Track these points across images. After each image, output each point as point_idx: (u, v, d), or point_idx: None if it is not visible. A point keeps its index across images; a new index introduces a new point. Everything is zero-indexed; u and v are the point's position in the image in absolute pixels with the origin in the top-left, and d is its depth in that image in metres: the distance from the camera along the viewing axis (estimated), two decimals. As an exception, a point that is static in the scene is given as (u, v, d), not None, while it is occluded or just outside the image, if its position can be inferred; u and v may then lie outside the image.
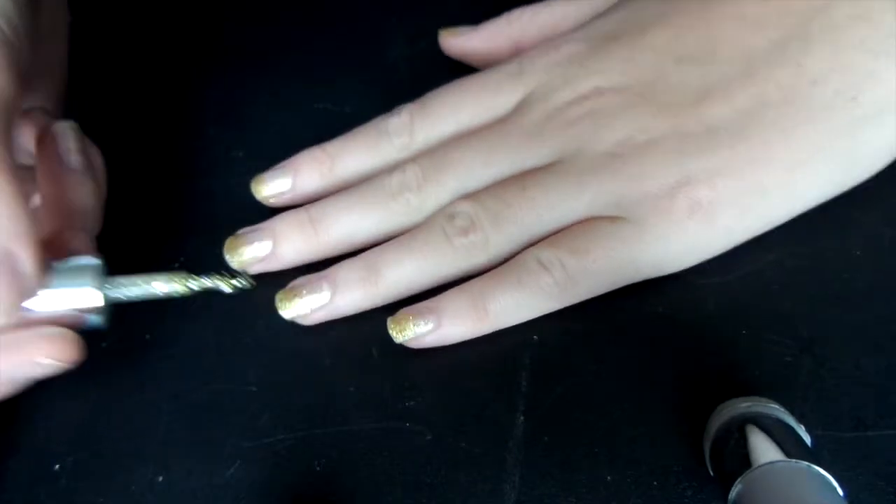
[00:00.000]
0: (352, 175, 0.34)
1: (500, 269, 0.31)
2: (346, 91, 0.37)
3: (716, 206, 0.29)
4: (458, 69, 0.37)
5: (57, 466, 0.28)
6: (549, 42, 0.34)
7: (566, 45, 0.33)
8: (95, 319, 0.27)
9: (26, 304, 0.26)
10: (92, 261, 0.27)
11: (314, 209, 0.32)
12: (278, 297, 0.31)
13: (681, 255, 0.30)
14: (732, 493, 0.24)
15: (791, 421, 0.26)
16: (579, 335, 0.29)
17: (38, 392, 0.28)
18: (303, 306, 0.31)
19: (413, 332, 0.30)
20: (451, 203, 0.32)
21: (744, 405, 0.26)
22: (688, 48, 0.31)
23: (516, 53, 0.36)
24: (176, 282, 0.28)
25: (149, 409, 0.29)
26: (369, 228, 0.32)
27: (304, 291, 0.31)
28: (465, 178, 0.32)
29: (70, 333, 0.26)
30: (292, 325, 0.31)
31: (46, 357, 0.26)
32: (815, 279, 0.30)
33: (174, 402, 0.29)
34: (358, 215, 0.32)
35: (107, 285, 0.27)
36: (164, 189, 0.35)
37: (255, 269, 0.32)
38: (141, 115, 0.38)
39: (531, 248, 0.31)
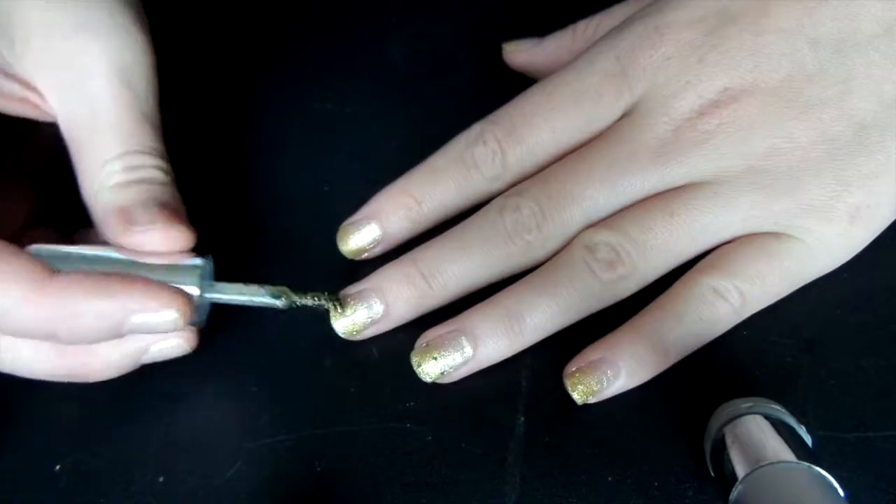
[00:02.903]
0: (442, 214, 0.31)
1: (670, 302, 0.29)
2: (346, 91, 0.37)
3: (874, 209, 0.29)
4: (460, 70, 0.37)
5: (57, 467, 0.28)
6: (642, 27, 0.30)
7: (671, 31, 0.29)
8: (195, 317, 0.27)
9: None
10: (198, 261, 0.28)
11: (422, 261, 0.30)
12: (415, 357, 0.29)
13: (839, 259, 0.30)
14: (733, 494, 0.24)
15: (792, 421, 0.26)
16: (580, 335, 0.29)
17: (39, 392, 0.28)
18: (445, 365, 0.29)
19: (599, 388, 0.28)
20: (587, 233, 0.29)
21: (744, 406, 0.26)
22: (823, 27, 0.28)
23: None
24: (278, 294, 0.28)
25: (149, 410, 0.29)
26: (487, 274, 0.30)
27: (444, 349, 0.29)
28: (590, 211, 0.29)
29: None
30: (292, 325, 0.31)
31: (175, 337, 0.27)
32: (815, 280, 0.30)
33: (174, 402, 0.29)
34: (472, 263, 0.29)
35: (209, 286, 0.27)
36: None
37: (368, 332, 0.30)
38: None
39: (700, 276, 0.29)
